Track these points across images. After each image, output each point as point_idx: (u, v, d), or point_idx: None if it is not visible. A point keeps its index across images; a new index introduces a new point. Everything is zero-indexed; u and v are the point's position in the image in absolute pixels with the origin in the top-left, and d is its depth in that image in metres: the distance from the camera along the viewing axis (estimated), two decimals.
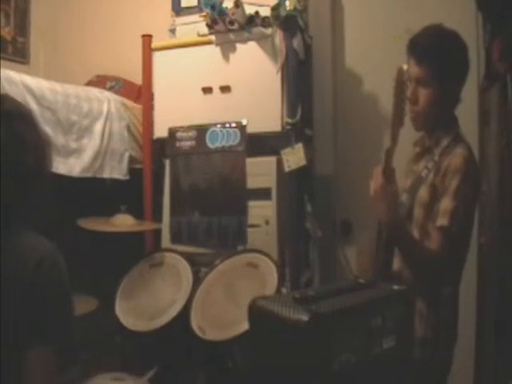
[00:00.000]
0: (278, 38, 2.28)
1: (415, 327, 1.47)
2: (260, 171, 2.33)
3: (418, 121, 1.61)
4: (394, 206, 1.52)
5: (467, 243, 1.58)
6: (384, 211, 1.51)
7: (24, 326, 1.11)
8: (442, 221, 1.47)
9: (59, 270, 1.18)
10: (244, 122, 2.34)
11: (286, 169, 2.26)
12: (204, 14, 2.45)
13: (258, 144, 2.33)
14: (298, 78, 2.32)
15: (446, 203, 1.47)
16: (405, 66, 1.46)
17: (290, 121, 2.26)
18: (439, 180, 1.52)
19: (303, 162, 2.24)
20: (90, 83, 2.99)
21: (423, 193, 1.56)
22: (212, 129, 2.40)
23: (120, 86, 2.97)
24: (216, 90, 2.40)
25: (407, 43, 1.60)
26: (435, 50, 1.54)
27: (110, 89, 2.91)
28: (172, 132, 2.49)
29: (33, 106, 2.06)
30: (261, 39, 2.33)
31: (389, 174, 1.51)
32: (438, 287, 1.55)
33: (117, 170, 2.57)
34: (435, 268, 1.50)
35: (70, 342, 1.18)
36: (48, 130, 2.16)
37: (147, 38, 2.60)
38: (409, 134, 1.63)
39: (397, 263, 1.60)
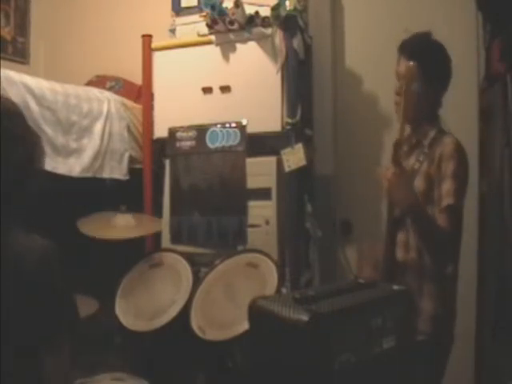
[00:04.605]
0: (278, 38, 2.28)
1: (425, 305, 1.62)
2: (260, 171, 2.32)
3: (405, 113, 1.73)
4: (411, 189, 1.62)
5: (462, 221, 1.69)
6: (402, 196, 1.61)
7: (29, 324, 1.11)
8: (448, 200, 1.58)
9: (58, 264, 1.18)
10: (244, 122, 2.34)
11: (286, 169, 2.26)
12: (204, 14, 2.45)
13: (258, 144, 2.33)
14: (298, 78, 2.32)
15: (447, 185, 1.60)
16: (411, 63, 1.61)
17: (290, 121, 2.26)
18: (434, 168, 1.65)
19: (303, 162, 2.24)
20: (90, 83, 2.99)
21: (419, 182, 1.67)
22: (212, 129, 2.40)
23: (120, 86, 2.97)
24: (216, 90, 2.40)
25: (399, 44, 1.75)
26: (422, 50, 1.72)
27: (110, 89, 2.91)
28: (172, 132, 2.49)
29: (33, 105, 2.06)
30: (261, 39, 2.33)
31: (399, 162, 1.63)
32: (445, 265, 1.67)
33: (117, 170, 2.57)
34: (448, 244, 1.64)
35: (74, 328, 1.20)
36: (48, 129, 2.16)
37: (147, 38, 2.60)
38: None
39: (400, 253, 1.69)
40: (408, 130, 1.79)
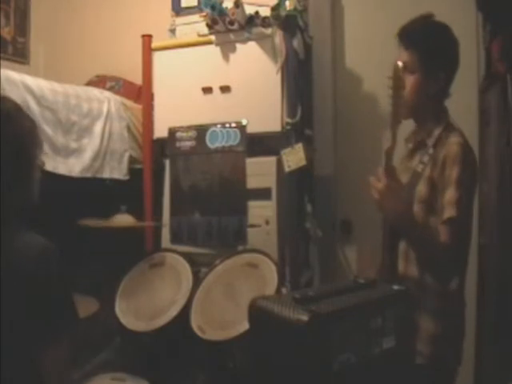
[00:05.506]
0: (278, 38, 2.28)
1: (425, 323, 1.50)
2: (260, 171, 2.32)
3: (404, 108, 1.58)
4: (403, 202, 1.48)
5: (470, 232, 1.56)
6: (394, 209, 1.46)
7: (29, 324, 1.12)
8: (450, 212, 1.44)
9: (57, 264, 1.18)
10: (244, 122, 2.34)
11: (286, 169, 2.26)
12: (204, 14, 2.45)
13: (258, 144, 2.33)
14: (298, 78, 2.32)
15: (450, 195, 1.45)
16: (400, 63, 1.42)
17: (290, 121, 2.26)
18: (438, 173, 1.50)
19: (303, 162, 2.24)
20: (90, 83, 2.99)
21: (421, 188, 1.54)
22: (212, 129, 2.40)
23: (120, 86, 2.97)
24: (216, 90, 2.40)
25: (398, 31, 1.63)
26: (420, 35, 1.57)
27: (110, 89, 2.91)
28: (172, 132, 2.49)
29: (33, 106, 2.06)
30: (261, 39, 2.32)
31: (391, 173, 1.47)
32: (447, 281, 1.53)
33: (117, 170, 2.57)
34: (449, 260, 1.47)
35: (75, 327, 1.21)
36: (48, 130, 2.16)
37: (147, 38, 2.60)
38: (404, 132, 1.63)
39: (401, 264, 1.58)
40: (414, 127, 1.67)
